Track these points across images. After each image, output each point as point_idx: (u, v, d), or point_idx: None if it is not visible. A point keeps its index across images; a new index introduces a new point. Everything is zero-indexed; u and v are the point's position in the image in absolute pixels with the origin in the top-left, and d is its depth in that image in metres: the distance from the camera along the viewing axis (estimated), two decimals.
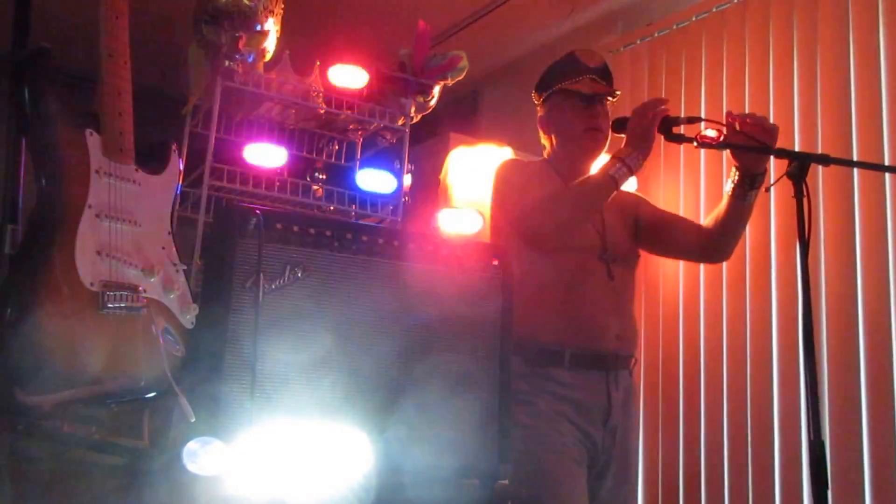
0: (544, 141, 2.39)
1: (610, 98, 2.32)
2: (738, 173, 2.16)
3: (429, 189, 3.17)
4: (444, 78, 2.90)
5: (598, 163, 2.37)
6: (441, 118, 3.97)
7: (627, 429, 2.22)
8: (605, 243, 2.25)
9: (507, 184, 2.29)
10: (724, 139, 2.09)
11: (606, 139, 2.32)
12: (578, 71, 2.30)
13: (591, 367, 2.14)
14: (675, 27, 3.38)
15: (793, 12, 2.94)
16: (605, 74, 2.32)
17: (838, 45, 2.78)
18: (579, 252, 2.20)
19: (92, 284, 1.56)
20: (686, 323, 3.14)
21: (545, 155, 2.39)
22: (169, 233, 1.75)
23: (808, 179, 1.81)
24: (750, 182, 2.15)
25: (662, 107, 2.08)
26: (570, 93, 2.29)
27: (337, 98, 2.78)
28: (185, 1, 2.64)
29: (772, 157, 2.17)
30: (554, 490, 2.03)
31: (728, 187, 2.19)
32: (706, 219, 2.36)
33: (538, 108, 2.39)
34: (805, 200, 1.80)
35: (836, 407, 2.57)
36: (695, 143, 2.07)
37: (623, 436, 2.19)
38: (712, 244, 2.33)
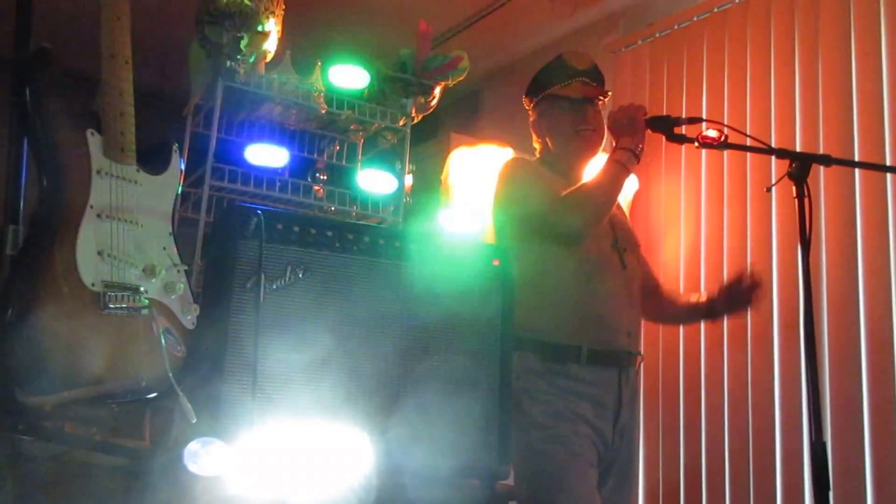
0: (536, 144, 2.39)
1: (602, 98, 2.32)
2: (707, 307, 2.32)
3: (430, 189, 3.17)
4: (445, 78, 2.90)
5: (594, 163, 2.38)
6: (442, 118, 3.98)
7: (632, 428, 2.22)
8: (615, 233, 2.26)
9: (518, 182, 2.27)
10: (724, 139, 2.09)
11: (601, 139, 2.32)
12: (568, 74, 2.30)
13: (605, 364, 2.14)
14: (676, 27, 3.38)
15: (794, 12, 2.94)
16: (595, 76, 2.32)
17: (840, 46, 2.78)
18: (596, 241, 2.20)
19: (93, 285, 1.56)
20: None
21: (537, 156, 2.40)
22: (170, 233, 1.75)
23: (809, 180, 1.82)
24: (711, 317, 2.36)
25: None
26: (561, 97, 2.29)
27: (338, 98, 2.78)
28: (186, 1, 2.64)
29: (773, 157, 2.18)
30: (571, 492, 2.03)
31: (692, 304, 2.35)
32: (665, 288, 2.46)
33: (530, 113, 2.40)
34: (806, 201, 1.80)
35: (838, 407, 2.57)
36: (696, 144, 2.07)
37: (629, 435, 2.20)
38: (651, 310, 2.43)
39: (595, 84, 2.31)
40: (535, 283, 2.06)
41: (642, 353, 2.28)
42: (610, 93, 2.36)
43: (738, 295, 2.27)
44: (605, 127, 2.27)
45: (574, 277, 2.15)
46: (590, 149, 2.32)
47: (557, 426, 2.06)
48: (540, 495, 2.02)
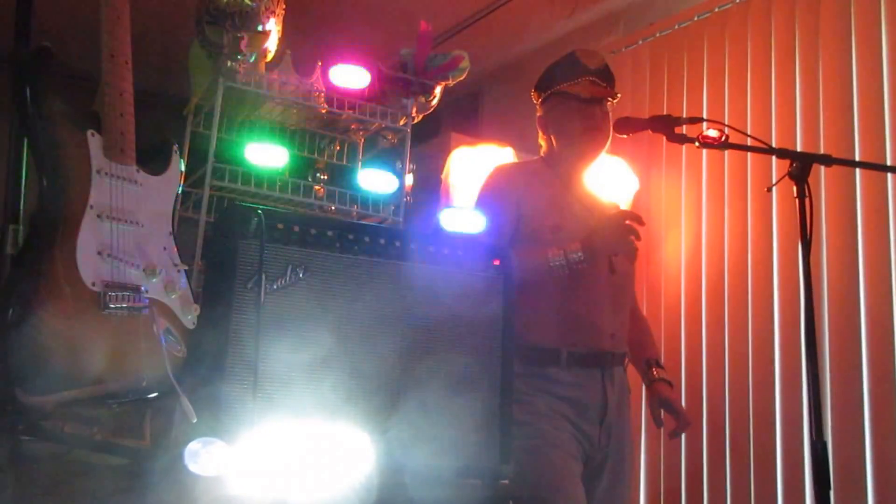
0: (542, 140, 2.39)
1: (610, 99, 2.31)
2: (645, 374, 2.35)
3: (430, 189, 3.17)
4: (446, 78, 2.90)
5: (597, 163, 2.37)
6: (442, 118, 3.98)
7: (623, 428, 2.22)
8: None
9: (482, 202, 2.31)
10: (725, 139, 2.09)
11: (606, 140, 2.31)
12: (578, 72, 2.28)
13: (587, 365, 2.14)
14: (676, 27, 3.38)
15: (795, 12, 2.94)
16: (605, 76, 2.31)
17: (840, 45, 2.78)
18: None
19: (93, 285, 1.56)
20: (688, 322, 3.14)
21: (542, 153, 2.39)
22: (170, 233, 1.75)
23: (810, 180, 1.82)
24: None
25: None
26: (568, 95, 2.28)
27: (338, 98, 2.77)
28: (186, 1, 2.64)
29: (773, 157, 2.17)
30: (555, 484, 2.04)
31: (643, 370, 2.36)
32: (634, 326, 2.39)
33: (537, 108, 2.39)
34: (807, 201, 1.80)
35: (839, 407, 2.57)
36: (696, 144, 2.06)
37: (619, 434, 2.19)
38: None
39: (605, 84, 2.30)
40: (532, 275, 2.07)
41: (627, 352, 2.28)
42: (619, 94, 2.35)
43: (665, 412, 2.28)
44: (612, 127, 2.27)
45: (555, 281, 2.15)
46: (594, 149, 2.31)
47: (536, 422, 2.07)
48: (525, 490, 2.02)
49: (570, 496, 2.04)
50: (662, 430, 2.31)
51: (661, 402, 2.28)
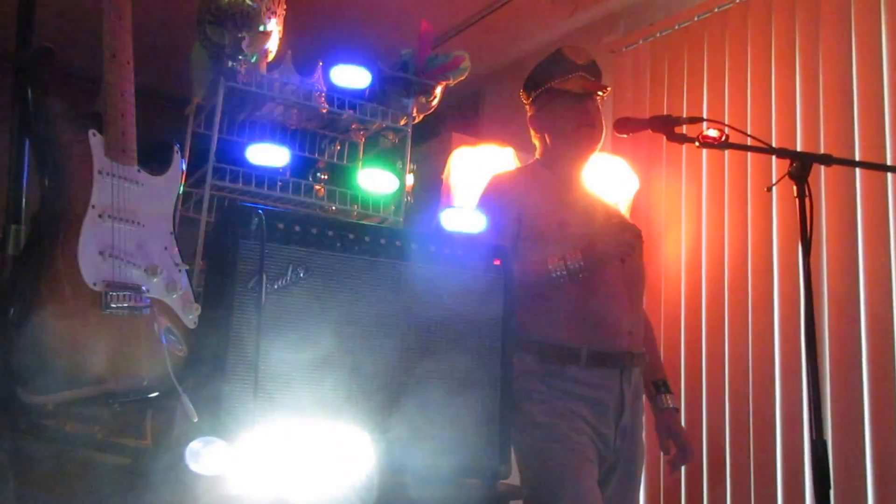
0: (535, 140, 2.39)
1: (600, 94, 2.31)
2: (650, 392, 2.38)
3: (431, 189, 3.18)
4: (447, 78, 2.90)
5: (594, 159, 2.38)
6: (443, 118, 3.98)
7: (636, 428, 2.22)
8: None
9: (483, 212, 2.30)
10: (725, 139, 2.10)
11: (601, 134, 2.32)
12: (568, 69, 2.29)
13: (606, 365, 2.13)
14: (677, 27, 3.38)
15: (795, 12, 2.94)
16: (593, 70, 2.32)
17: (840, 45, 2.78)
18: None
19: (95, 284, 1.57)
20: (688, 322, 3.14)
21: (537, 154, 2.39)
22: (171, 233, 1.75)
23: (809, 179, 1.82)
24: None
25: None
26: (560, 92, 2.28)
27: (339, 98, 2.78)
28: (187, 1, 2.64)
29: (773, 157, 2.18)
30: (572, 488, 2.03)
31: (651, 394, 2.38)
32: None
33: (528, 108, 2.39)
34: (807, 200, 1.80)
35: (839, 406, 2.57)
36: (697, 143, 2.07)
37: (632, 435, 2.20)
38: None
39: (594, 78, 2.30)
40: (534, 284, 2.07)
41: (645, 351, 2.28)
42: (609, 87, 2.35)
43: (670, 440, 2.34)
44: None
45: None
46: (590, 145, 2.32)
47: (556, 424, 2.07)
48: (543, 493, 2.02)
49: (587, 502, 2.04)
50: (664, 457, 2.33)
51: (671, 434, 2.31)
